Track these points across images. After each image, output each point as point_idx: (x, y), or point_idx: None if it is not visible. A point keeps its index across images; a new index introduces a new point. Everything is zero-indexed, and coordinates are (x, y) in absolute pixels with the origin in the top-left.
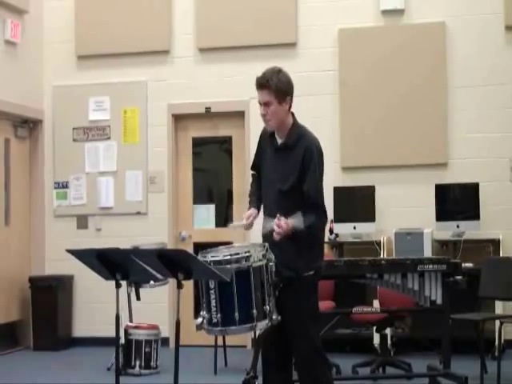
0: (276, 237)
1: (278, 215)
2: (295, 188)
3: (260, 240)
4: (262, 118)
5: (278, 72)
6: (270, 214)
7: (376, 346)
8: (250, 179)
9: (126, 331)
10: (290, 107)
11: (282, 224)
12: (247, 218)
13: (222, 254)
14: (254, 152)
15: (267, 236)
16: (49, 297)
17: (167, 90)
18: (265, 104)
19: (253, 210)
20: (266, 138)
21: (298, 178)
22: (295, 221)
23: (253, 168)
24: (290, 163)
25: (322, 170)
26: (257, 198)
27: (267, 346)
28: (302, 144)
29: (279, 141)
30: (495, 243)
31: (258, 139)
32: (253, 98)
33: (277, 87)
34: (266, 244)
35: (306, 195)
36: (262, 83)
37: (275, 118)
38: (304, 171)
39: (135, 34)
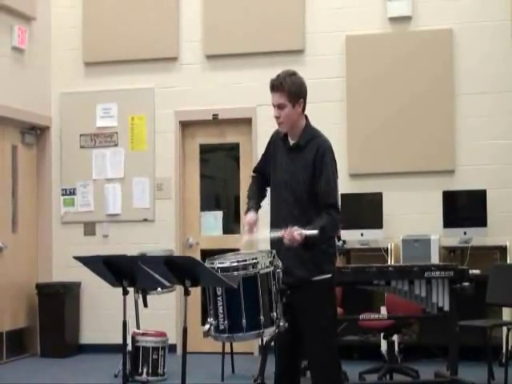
0: (287, 243)
1: (289, 226)
2: (308, 187)
3: (266, 247)
4: (275, 120)
5: (291, 75)
6: (281, 217)
7: (383, 352)
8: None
9: (133, 338)
10: (304, 110)
11: (295, 235)
12: (249, 226)
13: (229, 260)
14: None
15: (277, 241)
16: (56, 303)
17: (175, 97)
18: (278, 106)
19: (251, 215)
20: (278, 141)
21: (311, 177)
22: (309, 232)
23: (255, 170)
24: (302, 163)
25: (336, 168)
26: (255, 200)
27: (281, 349)
28: (314, 144)
29: (292, 142)
30: (502, 250)
31: (265, 145)
32: (260, 104)
33: (290, 89)
34: (274, 251)
35: (319, 193)
36: (276, 85)
37: (288, 120)
38: (317, 170)
39: (143, 41)
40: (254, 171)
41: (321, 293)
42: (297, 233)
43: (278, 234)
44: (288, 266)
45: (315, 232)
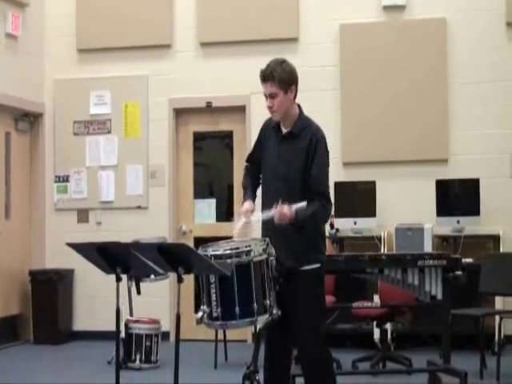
0: (278, 221)
1: (279, 202)
2: (300, 175)
3: (258, 234)
4: (268, 110)
5: (281, 63)
6: (271, 203)
7: (376, 340)
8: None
9: (126, 325)
10: (295, 96)
11: (285, 211)
12: (245, 213)
13: (222, 248)
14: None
15: (269, 224)
16: (49, 290)
17: (168, 85)
18: (270, 95)
19: (249, 204)
20: (270, 129)
21: (303, 166)
22: (298, 206)
23: (249, 160)
24: (295, 151)
25: (328, 158)
26: (251, 190)
27: (271, 338)
28: (308, 132)
29: (284, 130)
30: (495, 239)
31: (259, 131)
32: (254, 92)
33: (280, 78)
34: (267, 238)
35: (311, 181)
36: (266, 75)
37: (281, 108)
38: (309, 158)
39: (137, 28)
40: (247, 161)
41: (309, 282)
42: (286, 208)
43: (270, 213)
44: (278, 255)
45: (304, 204)
